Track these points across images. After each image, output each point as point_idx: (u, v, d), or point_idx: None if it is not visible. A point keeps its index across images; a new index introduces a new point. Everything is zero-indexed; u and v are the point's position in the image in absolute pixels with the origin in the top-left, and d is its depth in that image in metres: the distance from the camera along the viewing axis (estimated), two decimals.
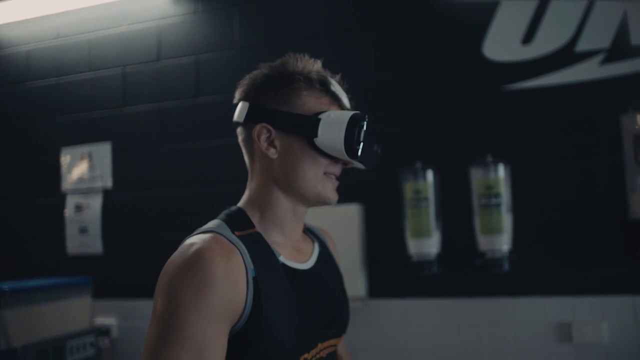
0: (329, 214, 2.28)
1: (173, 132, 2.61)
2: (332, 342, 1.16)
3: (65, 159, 2.79)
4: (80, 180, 2.75)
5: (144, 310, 2.55)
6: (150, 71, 2.67)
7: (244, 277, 1.00)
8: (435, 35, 2.28)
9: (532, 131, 2.15)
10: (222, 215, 1.14)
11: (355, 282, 2.22)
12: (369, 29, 2.36)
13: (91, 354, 2.30)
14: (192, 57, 2.59)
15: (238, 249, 1.02)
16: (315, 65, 1.17)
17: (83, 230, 2.71)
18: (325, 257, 1.27)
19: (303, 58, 1.17)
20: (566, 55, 2.12)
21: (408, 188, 2.14)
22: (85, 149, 2.76)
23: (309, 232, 1.31)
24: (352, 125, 1.11)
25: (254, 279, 1.01)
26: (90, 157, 2.74)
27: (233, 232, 1.06)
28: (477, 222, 2.09)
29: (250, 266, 1.02)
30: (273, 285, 1.04)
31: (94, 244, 2.69)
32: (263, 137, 1.12)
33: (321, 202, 1.15)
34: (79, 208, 2.74)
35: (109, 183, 2.70)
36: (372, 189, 2.29)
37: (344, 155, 1.10)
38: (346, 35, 2.39)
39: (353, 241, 2.25)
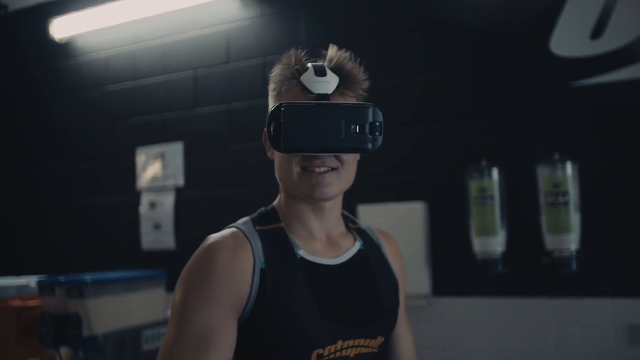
0: (393, 211, 2.31)
1: (242, 132, 2.70)
2: (361, 342, 1.09)
3: (140, 158, 2.94)
4: (154, 178, 2.88)
5: None
6: (219, 73, 2.78)
7: (250, 269, 1.04)
8: (501, 31, 2.26)
9: (600, 128, 2.10)
10: (256, 212, 1.20)
11: (419, 279, 2.24)
12: (431, 28, 2.37)
13: None
14: (260, 59, 2.67)
15: (250, 242, 1.07)
16: (294, 57, 1.12)
17: (157, 227, 2.84)
18: (368, 256, 1.19)
19: (295, 52, 1.13)
20: (636, 50, 2.06)
21: (473, 186, 2.13)
22: (158, 148, 2.89)
23: (357, 231, 1.23)
24: (273, 115, 1.03)
25: (262, 270, 1.05)
26: (163, 157, 2.87)
27: (255, 227, 1.12)
28: (544, 221, 2.06)
29: (260, 259, 1.06)
30: (283, 278, 1.06)
31: (166, 240, 2.81)
32: (264, 138, 1.18)
33: (307, 198, 1.10)
34: (152, 205, 2.87)
35: (180, 181, 2.82)
36: (436, 187, 2.29)
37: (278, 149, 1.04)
38: (410, 34, 2.41)
39: (417, 239, 2.26)
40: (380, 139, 1.04)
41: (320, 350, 1.04)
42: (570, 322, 2.09)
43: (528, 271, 2.14)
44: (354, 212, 2.34)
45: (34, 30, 3.23)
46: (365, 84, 1.14)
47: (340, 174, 1.09)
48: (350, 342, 1.07)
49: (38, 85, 3.30)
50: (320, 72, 1.06)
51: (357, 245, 1.19)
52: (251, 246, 1.07)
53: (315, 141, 1.01)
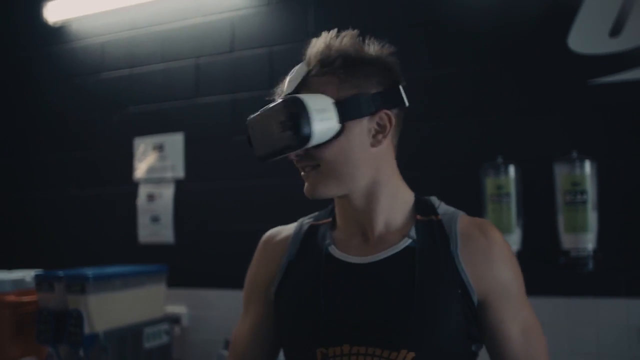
0: None
1: (244, 124, 2.62)
2: (377, 351, 0.97)
3: (138, 148, 2.84)
4: (153, 169, 2.79)
5: (213, 299, 2.58)
6: (223, 62, 2.69)
7: (279, 261, 1.14)
8: (518, 27, 2.21)
9: (619, 126, 2.07)
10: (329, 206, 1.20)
11: None
12: (443, 21, 2.32)
13: (165, 342, 2.34)
14: (266, 49, 2.59)
15: (292, 236, 1.15)
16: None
17: (155, 219, 2.75)
18: (419, 253, 1.03)
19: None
20: None
21: (489, 183, 2.09)
22: (157, 139, 2.80)
23: (424, 223, 1.08)
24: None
25: (290, 262, 1.12)
26: (162, 148, 2.78)
27: (312, 221, 1.16)
28: (561, 220, 2.03)
29: (292, 252, 1.13)
30: (303, 272, 1.09)
31: (165, 233, 2.73)
32: None
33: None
34: (151, 197, 2.78)
35: (181, 173, 2.73)
36: (450, 183, 2.24)
37: None
38: (422, 28, 2.35)
39: None
40: (306, 129, 0.96)
41: (324, 350, 1.00)
42: (585, 322, 2.06)
43: (543, 270, 2.11)
44: None
45: (28, 13, 3.09)
46: (339, 60, 1.03)
47: (323, 171, 1.02)
48: (362, 349, 0.98)
49: (32, 70, 3.17)
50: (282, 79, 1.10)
51: (405, 242, 1.05)
52: (290, 241, 1.15)
53: (263, 147, 1.04)
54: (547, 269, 2.10)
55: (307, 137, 0.97)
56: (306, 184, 1.06)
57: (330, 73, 1.03)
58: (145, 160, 2.82)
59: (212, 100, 2.70)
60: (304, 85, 1.04)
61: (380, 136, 1.06)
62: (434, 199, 1.14)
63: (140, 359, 2.19)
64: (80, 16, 2.97)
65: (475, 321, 1.04)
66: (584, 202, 1.99)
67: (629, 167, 2.05)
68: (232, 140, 2.64)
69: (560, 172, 2.04)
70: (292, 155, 1.03)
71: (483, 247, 1.04)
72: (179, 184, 2.74)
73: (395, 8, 2.40)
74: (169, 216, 2.73)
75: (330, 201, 1.15)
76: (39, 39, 3.11)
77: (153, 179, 2.79)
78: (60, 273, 2.08)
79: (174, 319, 2.54)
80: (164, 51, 2.83)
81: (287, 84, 1.06)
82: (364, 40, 1.12)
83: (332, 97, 1.02)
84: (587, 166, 2.01)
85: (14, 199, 3.18)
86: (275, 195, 2.51)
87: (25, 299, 2.23)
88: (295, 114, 0.96)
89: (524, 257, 2.09)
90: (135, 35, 2.90)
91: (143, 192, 2.81)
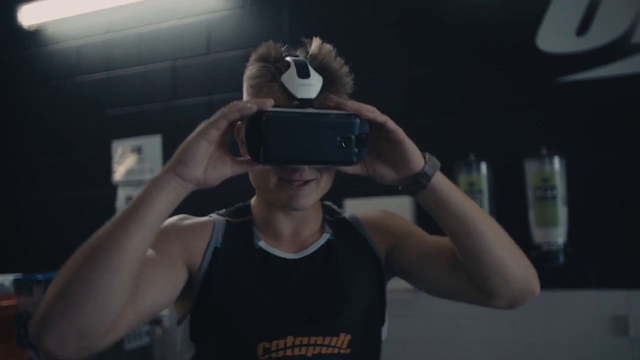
0: (381, 205, 2.28)
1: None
2: (319, 340, 1.02)
3: (116, 151, 2.85)
4: (131, 172, 2.80)
5: None
6: (200, 65, 2.71)
7: (205, 242, 1.06)
8: (488, 27, 2.26)
9: (587, 123, 2.13)
10: (233, 206, 1.18)
11: None
12: (416, 21, 2.36)
13: (146, 343, 2.35)
14: (242, 51, 2.61)
15: (214, 224, 1.09)
16: (274, 52, 1.04)
17: None
18: (338, 247, 1.12)
19: (274, 46, 1.06)
20: (622, 47, 2.10)
21: (462, 180, 2.14)
22: (135, 141, 2.81)
23: (333, 222, 1.17)
24: (252, 123, 0.91)
25: (216, 249, 1.06)
26: (141, 150, 2.79)
27: (225, 217, 1.12)
28: (532, 215, 2.08)
29: (218, 239, 1.07)
30: (235, 263, 1.06)
31: None
32: (238, 134, 1.07)
33: (284, 208, 1.06)
34: (130, 200, 2.78)
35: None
36: None
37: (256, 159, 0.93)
38: (393, 29, 2.39)
39: None
40: (365, 152, 0.94)
41: (267, 344, 1.00)
42: (557, 314, 2.12)
43: None
44: (340, 206, 2.32)
45: (2, 17, 3.08)
46: (350, 87, 1.04)
47: (319, 184, 1.03)
48: (305, 340, 1.01)
49: (8, 74, 3.16)
50: (303, 73, 0.97)
51: (325, 237, 1.12)
52: (213, 227, 1.09)
53: (297, 153, 0.93)
54: None
55: (363, 159, 0.95)
56: (295, 196, 1.02)
57: (340, 93, 1.02)
58: (124, 162, 2.82)
59: (189, 102, 2.72)
60: (321, 95, 0.99)
61: None
62: (330, 204, 1.22)
63: None
64: (56, 19, 2.97)
65: (383, 294, 1.15)
66: (554, 197, 2.05)
67: (597, 162, 2.11)
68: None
69: (530, 168, 2.09)
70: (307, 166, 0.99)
71: (381, 217, 1.21)
72: None
73: (368, 8, 2.43)
74: None
75: (238, 202, 1.17)
76: (14, 42, 3.11)
77: (132, 182, 2.80)
78: (39, 277, 2.08)
79: (156, 321, 2.55)
80: (141, 54, 2.84)
81: (309, 88, 0.98)
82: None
83: None
84: (557, 162, 2.07)
85: None
86: (252, 196, 2.54)
87: (5, 303, 2.23)
88: (366, 135, 0.93)
89: None
90: (112, 39, 2.91)
91: (122, 194, 2.82)
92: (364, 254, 1.14)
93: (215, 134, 0.87)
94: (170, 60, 2.77)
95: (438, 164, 0.96)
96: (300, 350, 1.01)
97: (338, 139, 0.92)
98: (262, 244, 1.08)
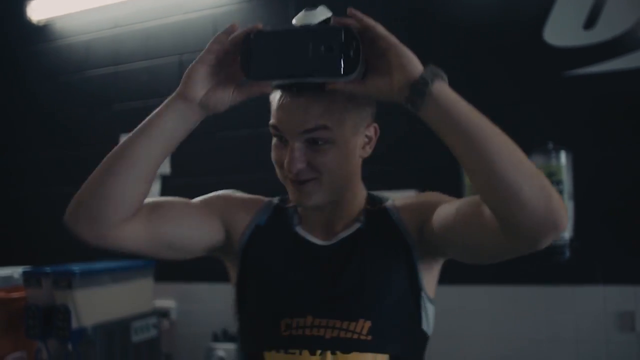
0: None
1: (229, 120, 2.64)
2: (337, 323, 1.04)
3: None
4: None
5: (202, 293, 2.62)
6: None
7: (250, 217, 1.16)
8: (495, 20, 2.25)
9: (593, 118, 2.12)
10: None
11: None
12: (423, 15, 2.35)
13: (154, 335, 2.37)
14: None
15: (263, 203, 1.19)
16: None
17: None
18: (368, 236, 1.12)
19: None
20: (630, 41, 2.08)
21: None
22: None
23: (371, 212, 1.16)
24: (245, 45, 0.94)
25: (258, 226, 1.15)
26: None
27: (278, 203, 1.20)
28: None
29: (262, 218, 1.16)
30: (271, 244, 1.14)
31: None
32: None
33: (298, 205, 1.13)
34: None
35: (167, 169, 2.76)
36: (431, 176, 2.29)
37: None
38: (401, 22, 2.39)
39: None
40: (357, 65, 0.91)
41: (289, 321, 1.06)
42: (563, 309, 2.12)
43: (521, 259, 2.14)
44: None
45: (11, 12, 3.11)
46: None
47: (322, 182, 1.05)
48: (323, 322, 1.05)
49: (16, 69, 3.18)
50: (310, 6, 1.04)
51: (355, 227, 1.13)
52: (261, 206, 1.19)
53: (284, 68, 0.94)
54: (524, 258, 2.13)
55: (356, 71, 0.93)
56: (298, 194, 1.06)
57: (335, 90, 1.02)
58: None
59: None
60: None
61: (367, 147, 1.12)
62: (377, 194, 1.22)
63: (128, 353, 2.23)
64: (64, 14, 2.99)
65: (415, 283, 1.10)
66: (560, 192, 2.04)
67: (604, 157, 2.10)
68: (217, 135, 2.67)
69: (537, 162, 2.07)
70: (298, 164, 1.02)
71: (413, 198, 1.20)
72: (165, 180, 2.77)
73: (375, 5, 2.42)
74: None
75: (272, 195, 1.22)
76: (23, 37, 3.13)
77: None
78: (48, 269, 2.11)
79: (163, 313, 2.57)
80: (148, 48, 2.85)
81: (312, 16, 1.05)
82: None
83: (345, 107, 1.04)
84: (563, 157, 2.06)
85: (2, 197, 3.20)
86: (261, 190, 2.54)
87: (14, 295, 2.25)
88: (355, 43, 0.92)
89: None
90: (119, 33, 2.92)
91: None
92: (393, 242, 1.12)
93: (209, 57, 0.94)
94: (177, 54, 2.78)
95: (441, 73, 0.92)
96: (318, 331, 1.05)
97: (322, 48, 0.91)
98: (298, 229, 1.15)
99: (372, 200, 1.20)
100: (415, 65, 0.91)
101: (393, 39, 0.91)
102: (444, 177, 2.25)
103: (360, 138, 1.09)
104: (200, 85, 0.95)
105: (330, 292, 1.07)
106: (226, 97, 0.97)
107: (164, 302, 2.64)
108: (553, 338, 2.12)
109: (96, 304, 2.12)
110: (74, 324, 2.03)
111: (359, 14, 0.92)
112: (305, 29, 0.96)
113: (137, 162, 0.96)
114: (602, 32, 2.12)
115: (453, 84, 0.94)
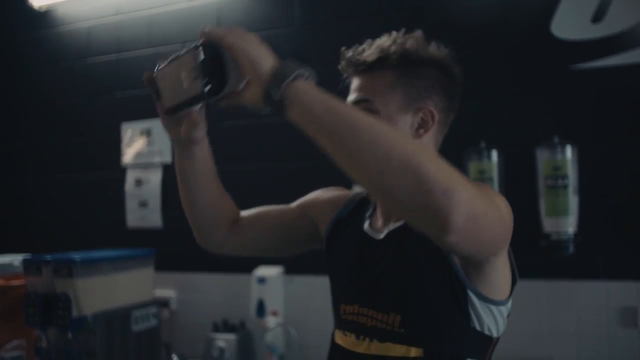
0: None
1: (235, 108, 2.63)
2: (374, 314, 1.11)
3: (126, 133, 2.85)
4: (140, 155, 2.80)
5: (201, 283, 2.61)
6: None
7: (335, 212, 1.28)
8: (502, 12, 2.23)
9: (601, 112, 2.10)
10: None
11: None
12: (430, 7, 2.33)
13: (154, 325, 2.36)
14: (252, 34, 2.59)
15: (347, 201, 1.29)
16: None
17: (143, 204, 2.77)
18: (409, 231, 1.10)
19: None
20: (637, 35, 2.06)
21: (472, 168, 2.12)
22: (145, 124, 2.80)
23: None
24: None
25: (339, 219, 1.27)
26: (150, 133, 2.79)
27: (364, 195, 1.30)
28: (543, 204, 2.06)
29: (343, 211, 1.28)
30: (345, 232, 1.25)
31: (153, 218, 2.74)
32: None
33: None
34: (139, 182, 2.79)
35: (168, 158, 2.74)
36: None
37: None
38: (407, 12, 2.36)
39: None
40: (216, 80, 0.92)
41: (344, 306, 1.18)
42: (565, 304, 2.11)
43: (524, 253, 2.13)
44: None
45: None
46: (395, 56, 1.18)
47: None
48: (366, 311, 1.13)
49: (18, 55, 3.16)
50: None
51: (400, 222, 1.16)
52: (346, 201, 1.30)
53: (176, 99, 0.99)
54: (528, 252, 2.13)
55: (221, 83, 0.95)
56: None
57: (387, 67, 1.15)
58: (133, 145, 2.82)
59: None
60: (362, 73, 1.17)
61: (421, 130, 1.16)
62: None
63: (128, 342, 2.22)
64: (66, 0, 2.96)
65: (456, 281, 1.06)
66: (565, 187, 2.03)
67: (610, 151, 2.08)
68: (221, 124, 2.65)
69: (542, 156, 2.07)
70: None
71: None
72: (166, 169, 2.76)
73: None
74: (156, 201, 2.75)
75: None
76: (24, 23, 3.10)
77: (141, 164, 2.80)
78: (48, 257, 2.09)
79: (163, 303, 2.56)
80: (151, 36, 2.83)
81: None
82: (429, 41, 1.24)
83: (379, 90, 1.13)
84: (569, 151, 2.04)
85: (2, 184, 3.19)
86: (264, 179, 2.53)
87: (14, 282, 2.24)
88: (207, 60, 0.93)
89: None
90: (122, 20, 2.89)
91: (131, 177, 2.82)
92: (421, 244, 1.08)
93: (156, 102, 1.07)
94: (180, 42, 2.75)
95: (298, 70, 0.87)
96: (362, 319, 1.14)
97: (192, 74, 0.93)
98: (365, 226, 1.22)
99: None
100: (263, 72, 0.89)
101: (239, 46, 0.91)
102: None
103: (411, 118, 1.14)
104: (170, 128, 1.12)
105: (372, 284, 1.15)
106: (188, 128, 1.09)
107: (165, 291, 2.64)
108: (555, 332, 2.11)
109: (96, 293, 2.11)
110: (74, 313, 2.02)
111: (207, 30, 0.94)
112: (174, 58, 0.99)
113: (192, 186, 1.22)
114: (610, 26, 2.10)
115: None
